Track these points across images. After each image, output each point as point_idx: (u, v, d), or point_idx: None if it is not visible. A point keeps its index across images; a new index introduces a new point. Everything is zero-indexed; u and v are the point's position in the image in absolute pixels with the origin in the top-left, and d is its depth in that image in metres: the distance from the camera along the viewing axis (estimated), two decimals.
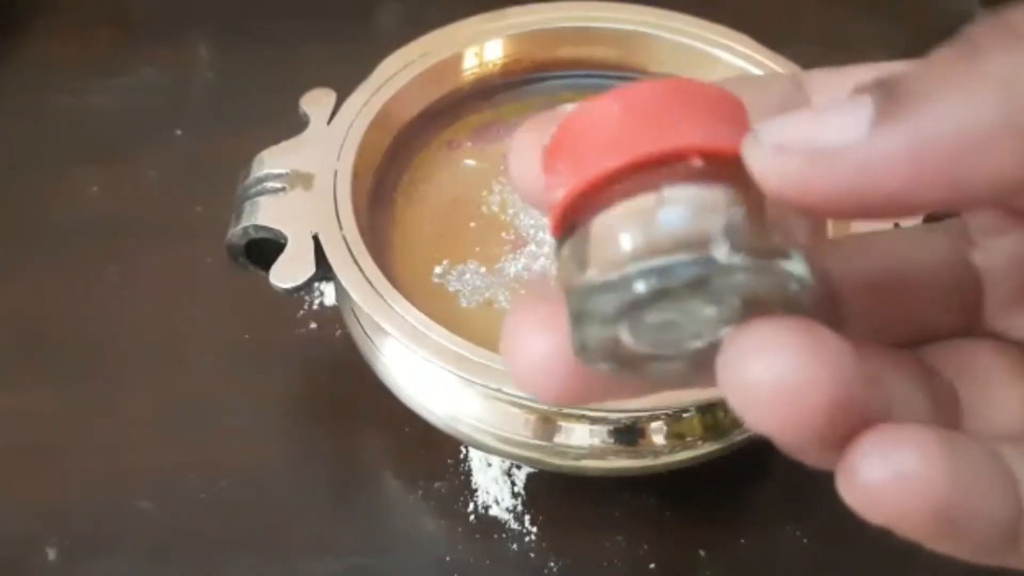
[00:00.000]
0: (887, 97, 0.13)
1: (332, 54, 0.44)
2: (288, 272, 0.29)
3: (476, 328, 0.29)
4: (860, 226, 0.24)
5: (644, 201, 0.14)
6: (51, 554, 0.30)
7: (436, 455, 0.32)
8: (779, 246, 0.14)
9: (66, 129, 0.43)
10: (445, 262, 0.32)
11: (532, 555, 0.30)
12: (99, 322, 0.36)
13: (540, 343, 0.15)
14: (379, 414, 0.32)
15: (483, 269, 0.32)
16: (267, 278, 0.29)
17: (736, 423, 0.29)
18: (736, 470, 0.31)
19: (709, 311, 0.14)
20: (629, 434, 0.28)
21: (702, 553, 0.31)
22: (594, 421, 0.28)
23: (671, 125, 0.14)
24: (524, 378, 0.15)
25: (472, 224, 0.33)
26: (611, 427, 0.28)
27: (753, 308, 0.14)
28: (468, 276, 0.31)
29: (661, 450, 0.29)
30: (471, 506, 0.31)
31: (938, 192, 0.13)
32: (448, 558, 0.30)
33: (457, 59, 0.35)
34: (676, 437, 0.28)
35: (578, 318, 0.14)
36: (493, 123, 0.36)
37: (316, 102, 0.33)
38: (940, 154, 0.12)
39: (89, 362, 0.35)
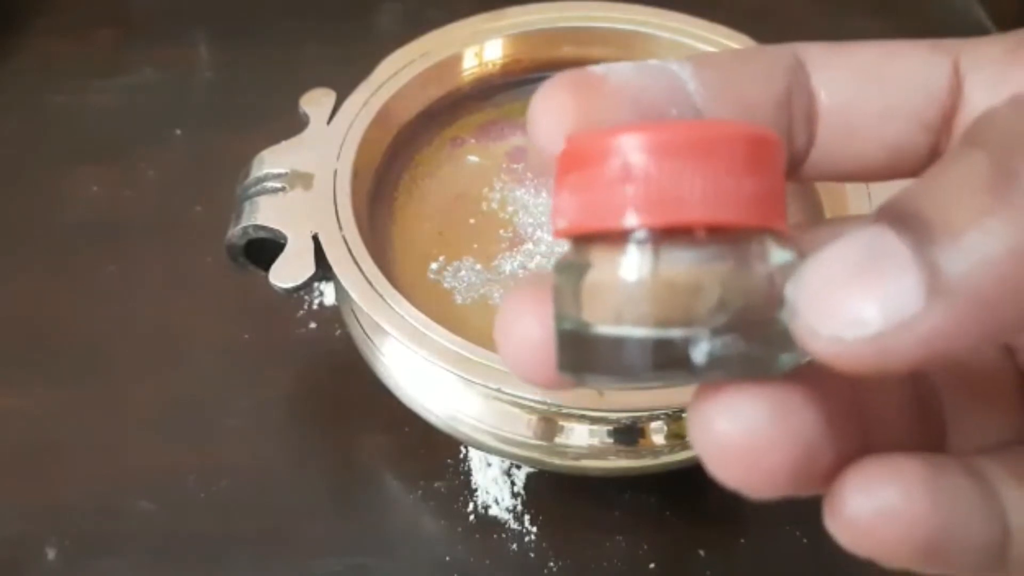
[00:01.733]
0: (924, 243, 0.12)
1: (332, 54, 0.44)
2: (288, 272, 0.29)
3: (471, 325, 0.29)
4: None
5: (644, 263, 0.13)
6: (51, 554, 0.30)
7: (436, 455, 0.32)
8: (770, 332, 0.14)
9: (66, 129, 0.43)
10: (441, 258, 0.32)
11: (532, 555, 0.30)
12: (99, 322, 0.36)
13: (533, 329, 0.15)
14: (379, 414, 0.32)
15: (479, 266, 0.32)
16: (267, 278, 0.29)
17: None
18: None
19: (691, 377, 0.14)
20: (629, 434, 0.28)
21: (702, 553, 0.31)
22: (594, 421, 0.28)
23: (689, 189, 0.13)
24: (514, 361, 0.15)
25: (472, 220, 0.33)
26: (611, 427, 0.28)
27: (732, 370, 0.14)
28: (464, 273, 0.31)
29: (661, 450, 0.29)
30: (471, 506, 0.31)
31: (1008, 333, 0.12)
32: (448, 558, 0.30)
33: (457, 59, 0.35)
34: (676, 437, 0.28)
35: (562, 345, 0.14)
36: (498, 121, 0.36)
37: (316, 102, 0.33)
38: (1003, 303, 0.12)
39: (89, 362, 0.35)
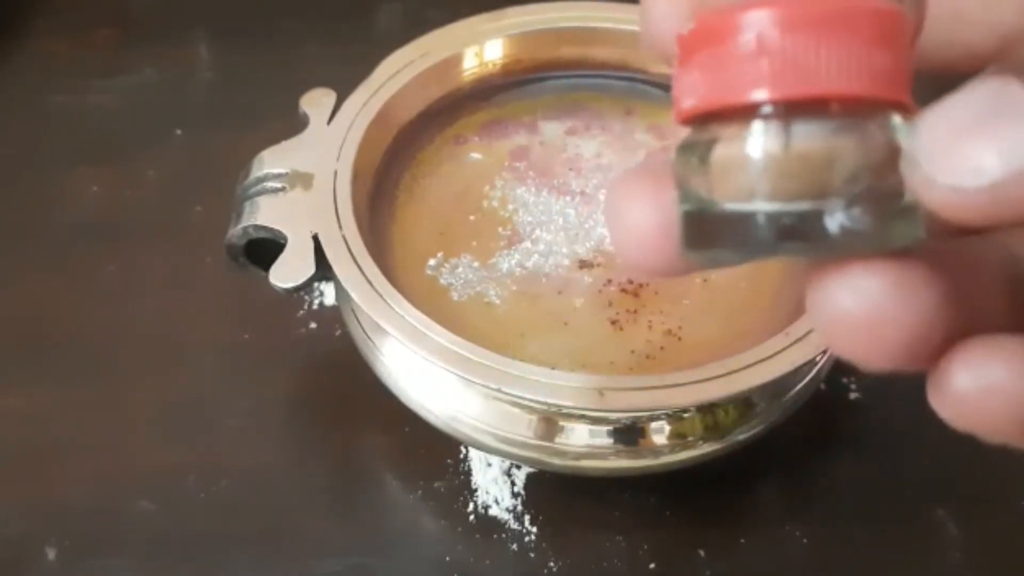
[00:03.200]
0: None
1: (332, 54, 0.44)
2: (288, 272, 0.29)
3: (466, 322, 0.29)
4: None
5: (776, 137, 0.13)
6: (51, 554, 0.30)
7: (436, 455, 0.32)
8: (896, 204, 0.14)
9: (66, 129, 0.43)
10: (440, 255, 0.32)
11: (532, 555, 0.30)
12: (99, 322, 0.36)
13: (647, 214, 0.15)
14: (379, 414, 0.32)
15: (476, 263, 0.32)
16: (267, 278, 0.29)
17: (736, 423, 0.29)
18: (736, 470, 0.31)
19: (817, 250, 0.14)
20: (629, 434, 0.28)
21: (702, 553, 0.31)
22: (594, 421, 0.28)
23: (823, 62, 0.13)
24: (627, 249, 0.15)
25: (472, 218, 0.33)
26: (611, 427, 0.28)
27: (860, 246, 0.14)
28: (461, 270, 0.32)
29: (661, 450, 0.29)
30: (471, 506, 0.31)
31: None
32: (448, 558, 0.30)
33: (457, 59, 0.35)
34: (676, 437, 0.28)
35: (688, 225, 0.14)
36: (502, 119, 0.36)
37: (316, 102, 0.33)
38: None
39: (89, 362, 0.35)
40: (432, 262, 0.32)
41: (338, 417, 0.34)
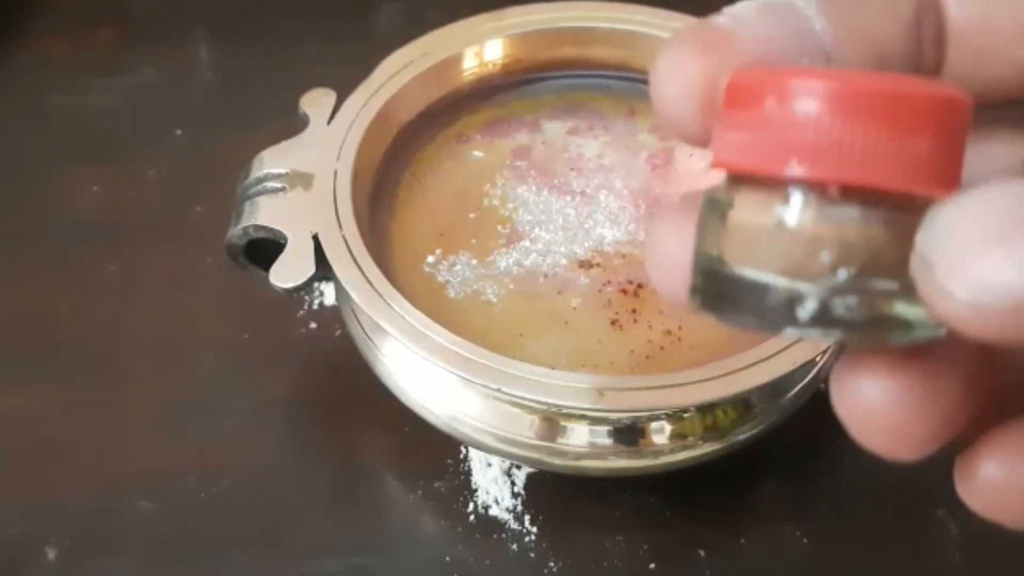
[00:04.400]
0: None
1: (332, 54, 0.44)
2: (288, 272, 0.29)
3: (464, 321, 0.29)
4: None
5: (801, 215, 0.13)
6: (51, 554, 0.30)
7: (436, 455, 0.32)
8: (907, 304, 0.13)
9: (66, 129, 0.43)
10: (438, 251, 0.32)
11: (532, 555, 0.30)
12: (99, 322, 0.36)
13: (679, 249, 0.15)
14: (379, 414, 0.32)
15: (474, 261, 0.32)
16: (267, 278, 0.29)
17: (736, 423, 0.29)
18: (736, 470, 0.31)
19: (816, 333, 0.13)
20: (629, 434, 0.28)
21: (702, 553, 0.31)
22: (594, 421, 0.28)
23: (870, 148, 0.13)
24: (655, 275, 0.15)
25: (471, 215, 0.33)
26: (611, 427, 0.28)
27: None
28: (459, 267, 0.32)
29: (661, 450, 0.29)
30: (471, 506, 0.31)
31: None
32: (448, 558, 0.30)
33: (457, 59, 0.35)
34: (676, 437, 0.28)
35: (697, 275, 0.14)
36: (505, 118, 0.36)
37: (316, 102, 0.33)
38: None
39: (89, 362, 0.35)
40: (431, 259, 0.32)
41: (338, 417, 0.34)
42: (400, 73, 0.34)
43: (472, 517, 0.31)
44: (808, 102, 0.13)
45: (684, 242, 0.15)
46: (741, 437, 0.29)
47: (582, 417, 0.28)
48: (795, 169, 0.13)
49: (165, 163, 0.41)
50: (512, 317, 0.30)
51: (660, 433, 0.28)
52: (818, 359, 0.29)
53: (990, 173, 0.16)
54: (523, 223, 0.33)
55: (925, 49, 0.15)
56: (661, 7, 0.36)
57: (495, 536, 0.31)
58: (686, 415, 0.28)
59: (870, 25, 0.15)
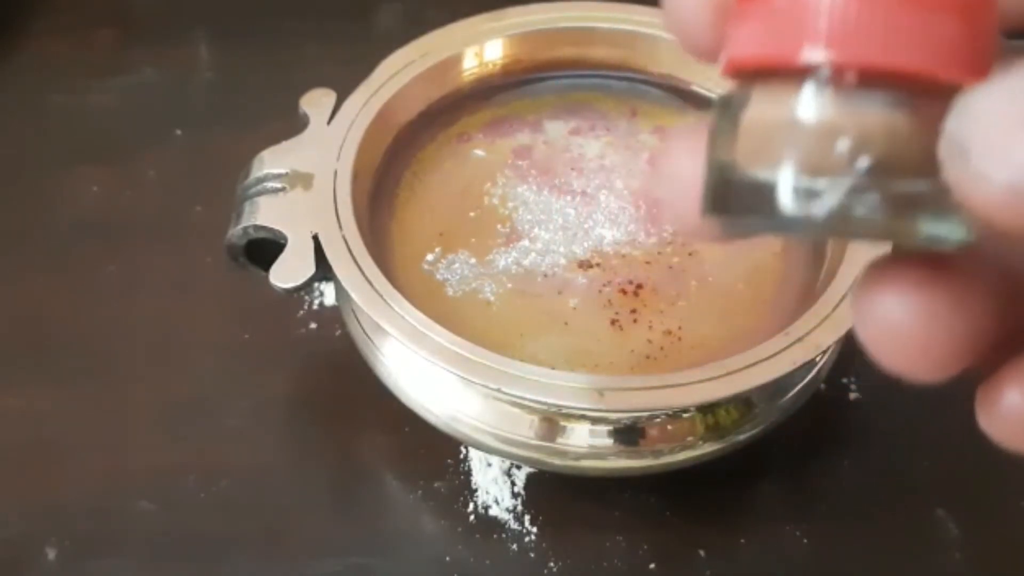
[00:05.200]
0: None
1: (332, 54, 0.44)
2: (288, 272, 0.29)
3: (458, 318, 0.29)
4: None
5: (818, 104, 0.12)
6: (51, 554, 0.30)
7: (436, 455, 0.32)
8: (946, 203, 0.12)
9: (66, 129, 0.43)
10: (438, 250, 0.32)
11: (532, 555, 0.30)
12: (99, 322, 0.36)
13: (685, 167, 0.14)
14: (379, 414, 0.32)
15: (473, 260, 0.32)
16: (267, 278, 0.29)
17: (736, 423, 0.29)
18: (736, 470, 0.31)
19: (830, 231, 0.13)
20: (629, 434, 0.28)
21: (702, 553, 0.31)
22: (594, 421, 0.28)
23: (893, 28, 0.12)
24: (668, 201, 0.15)
25: (472, 214, 0.33)
26: (611, 427, 0.28)
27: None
28: (457, 266, 0.32)
29: (661, 450, 0.29)
30: (471, 506, 0.31)
31: None
32: (448, 558, 0.30)
33: (457, 59, 0.35)
34: (676, 437, 0.28)
35: (708, 186, 0.14)
36: (507, 117, 0.36)
37: (316, 102, 0.33)
38: None
39: (89, 362, 0.35)
40: (430, 257, 0.32)
41: (338, 417, 0.34)
42: (400, 73, 0.34)
43: (472, 517, 0.31)
44: None
45: (693, 159, 0.14)
46: (741, 437, 0.29)
47: (582, 417, 0.28)
48: (811, 54, 0.12)
49: (165, 163, 0.41)
50: (511, 316, 0.30)
51: (660, 433, 0.28)
52: (818, 359, 0.29)
53: None
54: (523, 222, 0.33)
55: None
56: (661, 7, 0.36)
57: (495, 536, 0.31)
58: (686, 415, 0.28)
59: None
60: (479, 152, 0.35)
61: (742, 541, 0.31)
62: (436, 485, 0.32)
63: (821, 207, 0.12)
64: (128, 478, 0.32)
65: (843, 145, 0.12)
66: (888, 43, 0.12)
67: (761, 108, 0.13)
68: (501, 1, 0.36)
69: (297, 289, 0.29)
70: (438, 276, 0.31)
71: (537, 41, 0.36)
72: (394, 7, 0.49)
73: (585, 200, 0.33)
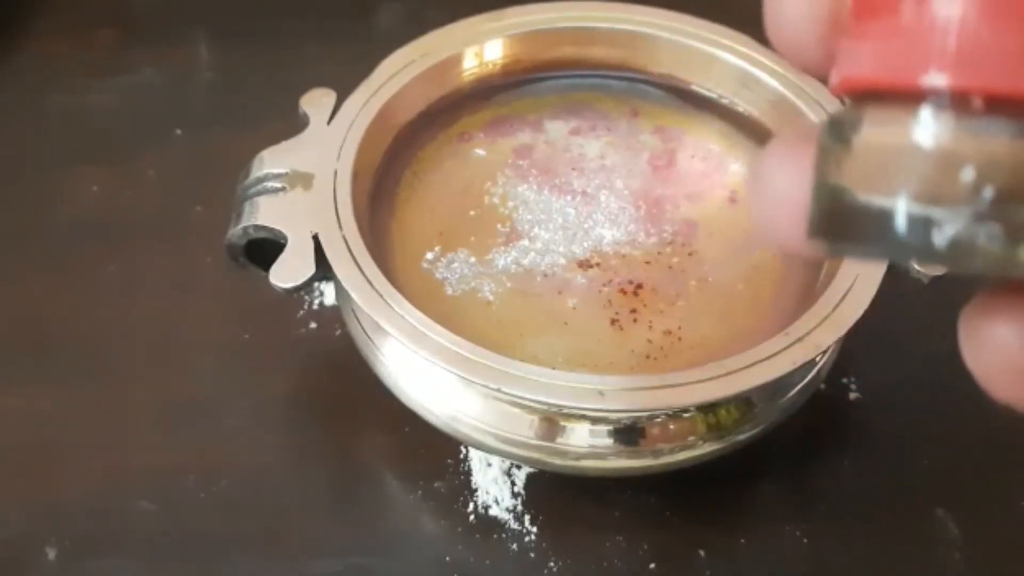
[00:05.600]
0: None
1: (332, 54, 0.44)
2: (288, 272, 0.29)
3: (457, 317, 0.29)
4: None
5: (942, 130, 0.12)
6: (51, 554, 0.30)
7: (436, 455, 0.32)
8: None
9: (66, 129, 0.43)
10: (437, 248, 0.32)
11: (532, 555, 0.30)
12: (99, 322, 0.36)
13: (791, 187, 0.14)
14: (379, 414, 0.32)
15: (473, 259, 0.32)
16: (267, 278, 0.29)
17: (736, 423, 0.29)
18: (736, 470, 0.31)
19: (945, 260, 0.12)
20: (629, 434, 0.28)
21: (702, 553, 0.31)
22: (594, 421, 0.28)
23: (1020, 52, 0.11)
24: (766, 219, 0.14)
25: (472, 213, 0.33)
26: (611, 427, 0.28)
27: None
28: (457, 265, 0.32)
29: (661, 450, 0.29)
30: (471, 506, 0.31)
31: None
32: (448, 558, 0.30)
33: (457, 59, 0.35)
34: (676, 437, 0.28)
35: (817, 210, 0.13)
36: (508, 117, 0.36)
37: (316, 102, 0.33)
38: None
39: (89, 362, 0.35)
40: (429, 256, 0.32)
41: (338, 417, 0.34)
42: (400, 73, 0.34)
43: (472, 517, 0.31)
44: (950, 1, 0.11)
45: (798, 177, 0.13)
46: (741, 437, 0.29)
47: (582, 417, 0.28)
48: (934, 78, 0.11)
49: (165, 163, 0.41)
50: (510, 316, 0.30)
51: (660, 433, 0.28)
52: (818, 359, 0.29)
53: None
54: (523, 222, 0.33)
55: None
56: (661, 7, 0.36)
57: (495, 536, 0.31)
58: (686, 415, 0.28)
59: None
60: (480, 151, 0.35)
61: (742, 541, 0.31)
62: (436, 485, 0.32)
63: (941, 237, 0.12)
64: (128, 478, 0.32)
65: (966, 174, 0.12)
66: (1016, 68, 0.11)
67: (877, 131, 0.12)
68: (501, 1, 0.36)
69: (297, 289, 0.29)
70: (437, 275, 0.31)
71: (537, 41, 0.36)
72: (394, 7, 0.49)
73: (585, 200, 0.33)
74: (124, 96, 0.44)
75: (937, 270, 0.16)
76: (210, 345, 0.35)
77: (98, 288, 0.37)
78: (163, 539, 0.31)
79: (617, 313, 0.30)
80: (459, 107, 0.36)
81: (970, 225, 0.12)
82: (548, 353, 0.29)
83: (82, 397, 0.34)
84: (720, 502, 0.32)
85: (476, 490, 0.32)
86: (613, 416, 0.28)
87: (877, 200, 0.12)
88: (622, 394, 0.26)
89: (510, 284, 0.31)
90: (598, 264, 0.32)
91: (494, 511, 0.31)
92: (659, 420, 0.28)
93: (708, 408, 0.28)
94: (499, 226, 0.33)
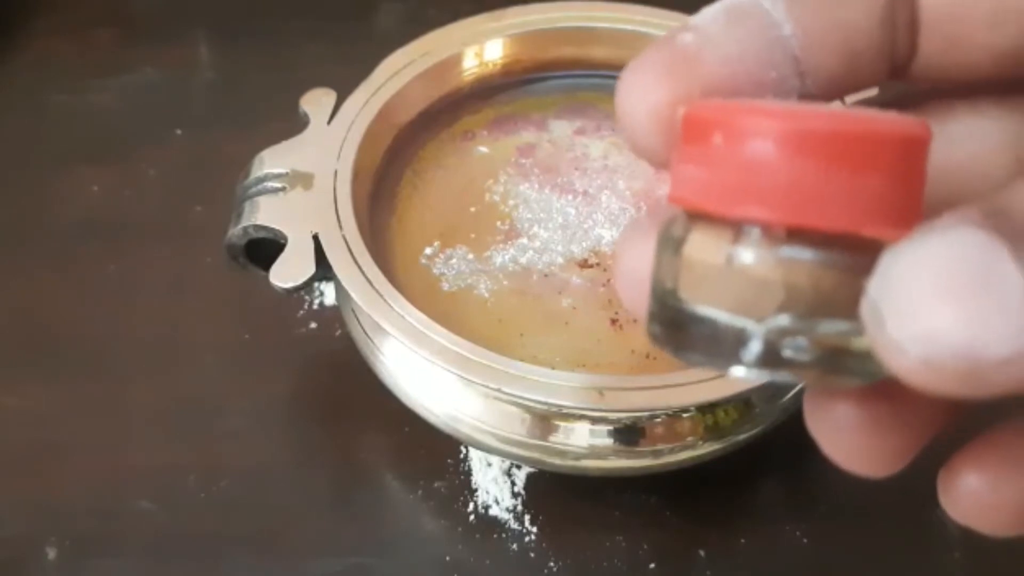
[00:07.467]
0: None
1: (332, 54, 0.44)
2: (288, 272, 0.29)
3: (452, 314, 0.29)
4: None
5: (753, 256, 0.13)
6: (51, 554, 0.30)
7: (436, 455, 0.32)
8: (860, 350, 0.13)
9: (66, 129, 0.43)
10: (436, 244, 0.32)
11: (532, 555, 0.30)
12: (99, 322, 0.36)
13: (642, 269, 0.15)
14: (379, 414, 0.32)
15: (471, 256, 0.32)
16: (267, 278, 0.29)
17: (736, 423, 0.29)
18: (736, 470, 0.31)
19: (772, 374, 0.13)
20: (629, 434, 0.28)
21: (702, 553, 0.31)
22: (594, 421, 0.28)
23: (827, 191, 0.12)
24: (624, 297, 0.15)
25: (472, 209, 0.33)
26: (611, 427, 0.28)
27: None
28: (455, 261, 0.32)
29: (661, 450, 0.29)
30: (471, 506, 0.31)
31: None
32: (448, 558, 0.30)
33: (457, 59, 0.35)
34: (676, 437, 0.28)
35: (652, 310, 0.14)
36: (512, 115, 0.36)
37: (316, 102, 0.33)
38: None
39: (89, 362, 0.35)
40: (428, 250, 0.32)
41: (338, 417, 0.34)
42: (400, 73, 0.34)
43: (472, 517, 0.31)
44: (756, 142, 0.13)
45: (648, 260, 0.14)
46: (741, 437, 0.29)
47: (582, 417, 0.28)
48: (742, 210, 0.13)
49: (165, 163, 0.41)
50: (510, 316, 0.30)
51: (660, 433, 0.28)
52: None
53: (979, 157, 0.16)
54: (522, 220, 0.33)
55: (898, 39, 0.15)
56: (661, 7, 0.36)
57: (495, 536, 0.31)
58: (686, 415, 0.28)
59: (841, 20, 0.15)
60: (483, 149, 0.35)
61: (742, 541, 0.31)
62: (436, 485, 0.32)
63: (753, 348, 0.13)
64: (128, 478, 0.32)
65: (771, 294, 0.13)
66: (812, 202, 0.12)
67: (699, 248, 0.14)
68: (501, 1, 0.36)
69: (297, 289, 0.29)
70: (435, 270, 0.31)
71: (537, 41, 0.36)
72: (394, 7, 0.49)
73: (586, 200, 0.33)
74: (124, 96, 0.44)
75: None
76: (210, 345, 0.35)
77: (98, 288, 0.37)
78: (163, 539, 0.31)
79: (617, 313, 0.30)
80: (459, 107, 0.36)
81: (777, 339, 0.13)
82: (548, 353, 0.29)
83: (82, 397, 0.34)
84: (720, 502, 0.32)
85: (476, 490, 0.32)
86: (613, 416, 0.28)
87: (699, 308, 0.13)
88: (622, 394, 0.26)
89: (507, 282, 0.31)
90: (596, 264, 0.32)
91: (494, 511, 0.31)
92: (659, 420, 0.28)
93: (708, 408, 0.28)
94: (499, 224, 0.33)
